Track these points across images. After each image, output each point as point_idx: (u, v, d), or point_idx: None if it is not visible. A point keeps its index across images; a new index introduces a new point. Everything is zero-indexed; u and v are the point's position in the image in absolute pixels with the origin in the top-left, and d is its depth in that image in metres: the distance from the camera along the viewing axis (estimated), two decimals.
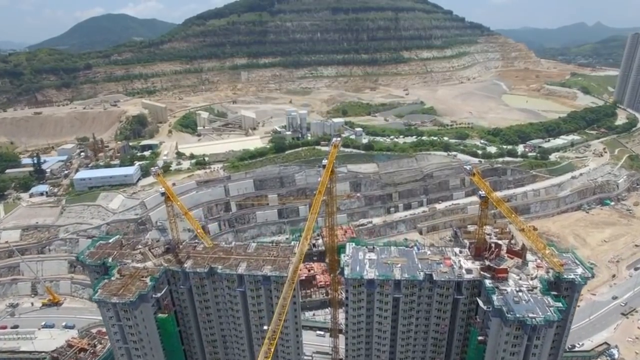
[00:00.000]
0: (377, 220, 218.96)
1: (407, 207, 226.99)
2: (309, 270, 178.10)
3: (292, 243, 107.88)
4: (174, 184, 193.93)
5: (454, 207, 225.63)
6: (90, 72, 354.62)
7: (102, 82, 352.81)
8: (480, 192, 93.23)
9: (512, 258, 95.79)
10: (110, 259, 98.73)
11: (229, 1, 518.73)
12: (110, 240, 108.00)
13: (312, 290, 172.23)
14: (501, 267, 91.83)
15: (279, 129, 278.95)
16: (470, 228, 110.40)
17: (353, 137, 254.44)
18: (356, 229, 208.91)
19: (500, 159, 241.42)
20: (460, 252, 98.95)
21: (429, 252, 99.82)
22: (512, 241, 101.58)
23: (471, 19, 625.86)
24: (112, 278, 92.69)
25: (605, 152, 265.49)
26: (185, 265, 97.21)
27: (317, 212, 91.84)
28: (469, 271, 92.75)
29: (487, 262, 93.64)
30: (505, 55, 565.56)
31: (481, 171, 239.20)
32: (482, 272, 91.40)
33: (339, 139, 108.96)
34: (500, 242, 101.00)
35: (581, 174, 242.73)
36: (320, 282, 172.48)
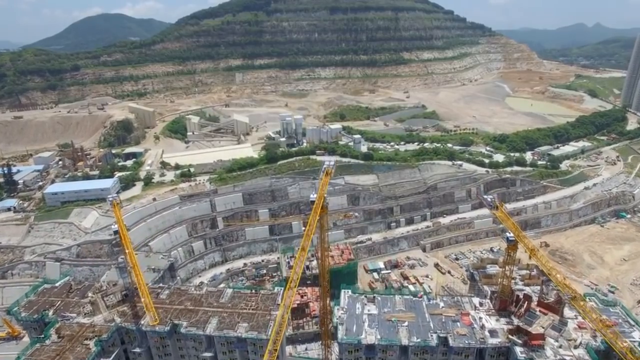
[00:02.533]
0: (376, 237, 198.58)
1: (409, 221, 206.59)
2: (301, 297, 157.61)
3: (275, 290, 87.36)
4: (154, 199, 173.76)
5: (459, 221, 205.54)
6: (78, 73, 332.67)
7: (91, 84, 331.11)
8: (507, 234, 72.91)
9: (545, 313, 75.81)
10: (51, 312, 78.65)
11: (223, 0, 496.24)
12: (57, 284, 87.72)
13: (304, 320, 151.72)
14: (534, 327, 71.68)
15: (272, 135, 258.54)
16: (490, 270, 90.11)
17: (351, 144, 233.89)
18: (354, 246, 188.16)
19: (509, 169, 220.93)
20: (481, 304, 78.97)
21: (442, 305, 79.77)
22: (544, 289, 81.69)
23: (471, 20, 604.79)
24: (47, 342, 72.62)
25: (619, 160, 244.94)
26: (142, 322, 77.07)
27: (304, 259, 71.85)
28: (493, 333, 72.41)
29: (515, 320, 73.64)
30: (507, 57, 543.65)
31: (489, 182, 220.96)
32: (510, 336, 71.26)
33: (332, 164, 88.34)
34: (527, 288, 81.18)
35: (594, 185, 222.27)
36: (314, 310, 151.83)
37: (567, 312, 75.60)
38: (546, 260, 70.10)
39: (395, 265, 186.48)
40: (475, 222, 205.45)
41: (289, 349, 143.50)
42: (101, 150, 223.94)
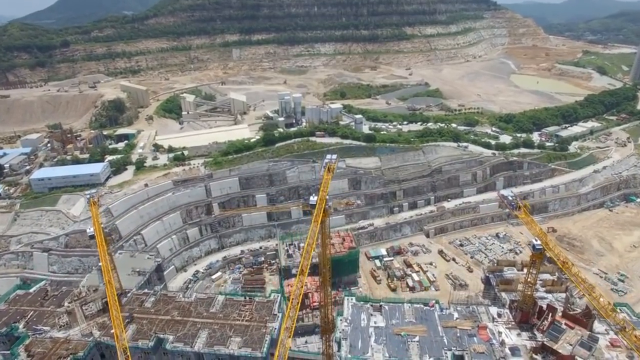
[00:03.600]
0: (378, 222, 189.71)
1: (413, 206, 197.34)
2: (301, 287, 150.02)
3: (272, 296, 78.26)
4: (146, 185, 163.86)
5: (464, 205, 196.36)
6: (68, 50, 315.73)
7: (82, 60, 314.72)
8: (534, 241, 63.44)
9: (572, 327, 67.20)
10: (21, 325, 69.94)
11: None
12: (32, 290, 78.77)
13: (304, 311, 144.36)
14: (560, 344, 63.12)
15: (270, 115, 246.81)
16: (508, 273, 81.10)
17: (352, 125, 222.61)
18: (355, 232, 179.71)
19: (516, 151, 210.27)
20: (499, 315, 70.39)
21: (456, 316, 71.11)
22: (570, 298, 72.94)
23: None
24: None
25: (629, 142, 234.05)
26: (124, 336, 68.52)
27: (303, 283, 62.48)
28: (515, 351, 63.81)
29: (538, 335, 65.11)
30: (513, 32, 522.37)
31: (495, 165, 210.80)
32: (534, 356, 62.85)
33: (334, 158, 77.78)
34: (549, 296, 72.36)
35: (604, 167, 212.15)
36: (315, 302, 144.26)
37: (597, 325, 67.12)
38: (583, 279, 60.82)
39: (398, 252, 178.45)
40: (481, 207, 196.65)
41: (288, 341, 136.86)
42: (92, 131, 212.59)
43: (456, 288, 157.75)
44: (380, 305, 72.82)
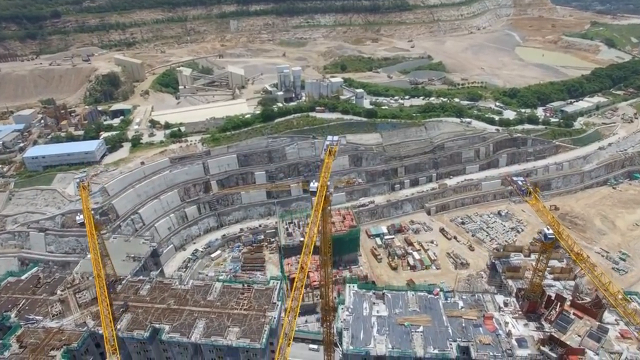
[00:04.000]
0: (379, 199, 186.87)
1: (414, 183, 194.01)
2: (301, 267, 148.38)
3: (271, 284, 75.54)
4: (142, 163, 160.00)
5: (466, 183, 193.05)
6: (59, 21, 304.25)
7: (74, 32, 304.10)
8: (545, 230, 60.10)
9: (580, 317, 64.86)
10: (13, 314, 67.58)
11: None
12: (24, 277, 75.98)
13: (304, 292, 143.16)
14: (568, 334, 60.87)
15: (269, 89, 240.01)
16: (515, 260, 78.22)
17: (353, 100, 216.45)
18: (356, 210, 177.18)
19: (520, 127, 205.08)
20: (506, 304, 67.93)
21: (461, 304, 68.64)
22: (579, 286, 70.35)
23: None
24: (6, 353, 61.98)
25: (636, 117, 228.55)
26: (119, 326, 66.22)
27: (303, 283, 59.32)
28: (521, 342, 61.59)
29: (545, 325, 62.84)
30: (518, 2, 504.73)
31: (498, 141, 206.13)
32: (542, 347, 60.71)
33: (335, 140, 73.56)
34: (557, 283, 69.76)
35: (609, 144, 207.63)
36: (315, 281, 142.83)
37: (607, 315, 64.78)
38: (600, 274, 57.79)
39: (398, 230, 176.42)
40: (483, 184, 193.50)
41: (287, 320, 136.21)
42: (86, 107, 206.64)
43: (457, 267, 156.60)
44: (383, 293, 70.31)
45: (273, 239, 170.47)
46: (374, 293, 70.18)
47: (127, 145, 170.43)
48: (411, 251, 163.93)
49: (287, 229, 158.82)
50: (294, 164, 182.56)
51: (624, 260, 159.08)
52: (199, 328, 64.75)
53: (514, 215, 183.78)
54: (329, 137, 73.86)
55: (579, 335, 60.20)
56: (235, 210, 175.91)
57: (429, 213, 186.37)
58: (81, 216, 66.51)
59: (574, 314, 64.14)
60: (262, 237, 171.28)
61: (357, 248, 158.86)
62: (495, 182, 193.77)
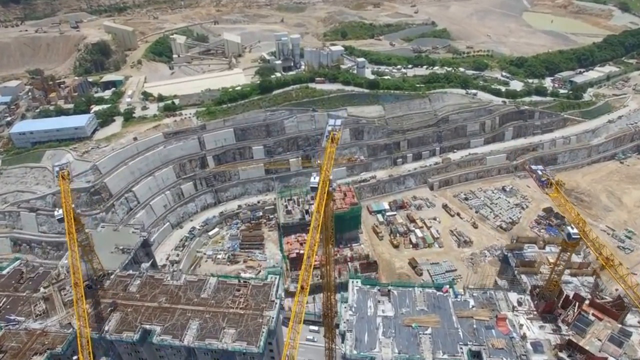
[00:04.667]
0: (381, 174, 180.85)
1: (417, 157, 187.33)
2: (301, 244, 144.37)
3: (269, 279, 70.28)
4: (135, 139, 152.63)
5: (470, 157, 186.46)
6: None
7: None
8: (568, 228, 54.22)
9: (600, 318, 60.13)
10: None
11: None
12: (5, 271, 70.72)
13: None
14: (588, 338, 56.27)
15: (267, 57, 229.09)
16: (529, 252, 72.82)
17: (354, 70, 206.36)
18: (357, 186, 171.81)
19: (527, 99, 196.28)
20: (520, 303, 63.12)
21: (472, 303, 63.75)
22: (599, 284, 65.28)
23: None
24: None
25: None
26: (107, 328, 61.52)
27: (307, 290, 53.58)
28: (537, 347, 56.99)
29: (562, 327, 58.19)
30: None
31: (505, 114, 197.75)
32: (559, 354, 56.18)
33: (337, 124, 66.10)
34: (574, 280, 64.70)
35: (619, 117, 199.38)
36: (315, 261, 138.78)
37: (630, 317, 59.99)
38: (636, 286, 52.33)
39: (401, 206, 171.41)
40: (488, 159, 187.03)
41: (287, 301, 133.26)
42: (76, 78, 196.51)
43: (460, 245, 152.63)
44: (389, 290, 65.36)
45: (272, 216, 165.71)
46: (379, 290, 65.20)
47: (119, 120, 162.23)
48: (413, 228, 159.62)
49: (286, 207, 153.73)
50: (293, 138, 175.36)
51: (629, 238, 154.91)
52: (192, 329, 60.03)
53: (518, 191, 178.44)
54: (331, 121, 66.57)
55: (599, 339, 55.59)
56: (233, 187, 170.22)
57: (431, 188, 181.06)
58: (60, 211, 60.04)
59: (593, 314, 59.32)
60: (261, 213, 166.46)
61: (358, 226, 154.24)
62: (501, 156, 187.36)
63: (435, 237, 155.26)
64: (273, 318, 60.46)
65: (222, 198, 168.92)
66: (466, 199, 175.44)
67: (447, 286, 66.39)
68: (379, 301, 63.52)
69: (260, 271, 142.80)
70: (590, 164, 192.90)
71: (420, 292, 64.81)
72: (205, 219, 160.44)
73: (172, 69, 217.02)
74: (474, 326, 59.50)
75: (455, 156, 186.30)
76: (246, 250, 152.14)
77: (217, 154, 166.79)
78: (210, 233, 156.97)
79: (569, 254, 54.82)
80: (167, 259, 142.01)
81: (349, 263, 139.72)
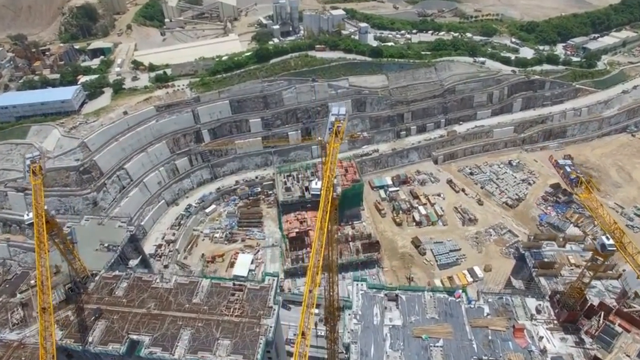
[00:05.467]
0: (384, 148, 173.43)
1: (421, 129, 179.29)
2: (300, 223, 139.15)
3: (267, 281, 64.44)
4: (125, 113, 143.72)
5: (477, 129, 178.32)
6: None
7: None
8: (603, 238, 47.70)
9: (628, 330, 54.84)
10: None
11: None
12: None
13: (304, 251, 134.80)
14: (615, 354, 51.20)
15: (264, 22, 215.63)
16: (547, 250, 66.76)
17: (356, 36, 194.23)
18: (359, 160, 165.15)
19: (538, 68, 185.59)
20: (539, 311, 57.75)
21: (486, 310, 58.20)
22: (627, 290, 59.48)
23: None
24: None
25: None
26: (91, 339, 56.27)
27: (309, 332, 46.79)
28: None
29: (586, 340, 53.02)
30: None
31: (514, 84, 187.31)
32: None
33: (342, 114, 57.61)
34: (597, 283, 59.00)
35: (634, 87, 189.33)
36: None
37: None
38: None
39: (404, 182, 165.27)
40: (495, 131, 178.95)
41: (287, 282, 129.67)
42: (61, 45, 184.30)
43: (465, 223, 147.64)
44: (397, 295, 59.85)
45: (270, 192, 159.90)
46: (385, 295, 59.74)
47: (108, 92, 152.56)
48: (417, 205, 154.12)
49: (285, 183, 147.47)
50: (292, 110, 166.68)
51: (639, 216, 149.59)
52: (183, 340, 54.91)
53: (525, 165, 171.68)
54: (334, 109, 58.27)
55: (628, 355, 50.54)
56: (230, 161, 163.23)
57: (436, 162, 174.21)
58: (30, 214, 52.97)
59: (619, 325, 54.07)
60: (259, 189, 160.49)
61: (360, 203, 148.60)
62: (508, 129, 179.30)
63: (439, 215, 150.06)
64: (271, 327, 55.27)
65: (218, 173, 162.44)
66: (471, 173, 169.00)
67: (460, 291, 60.84)
68: (385, 307, 58.16)
69: (258, 250, 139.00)
70: (600, 137, 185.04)
71: (431, 297, 59.24)
72: (201, 196, 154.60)
73: (163, 34, 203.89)
74: (489, 337, 54.32)
75: (461, 129, 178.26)
76: (244, 228, 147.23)
77: (213, 128, 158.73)
78: (207, 210, 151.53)
79: (599, 267, 48.69)
80: (162, 239, 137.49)
81: (351, 243, 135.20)
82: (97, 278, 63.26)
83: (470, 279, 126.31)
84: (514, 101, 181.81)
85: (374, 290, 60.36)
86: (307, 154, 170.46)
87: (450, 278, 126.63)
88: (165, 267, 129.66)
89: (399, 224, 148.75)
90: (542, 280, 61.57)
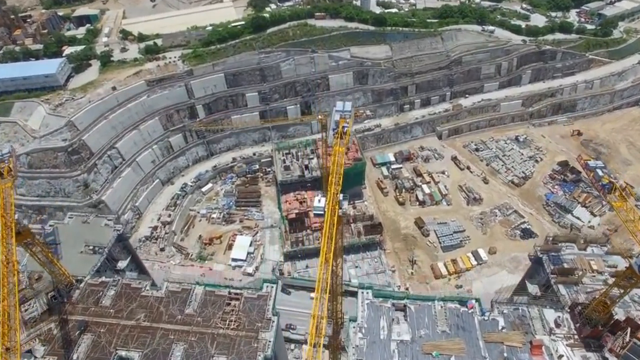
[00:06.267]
0: (386, 122, 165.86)
1: (426, 103, 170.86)
2: (300, 204, 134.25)
3: (265, 289, 59.47)
4: (114, 88, 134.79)
5: (484, 103, 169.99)
6: None
7: None
8: (634, 256, 42.25)
9: None
10: None
11: None
12: None
13: (304, 233, 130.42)
14: None
15: None
16: (567, 254, 61.56)
17: (358, 2, 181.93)
18: (360, 135, 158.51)
19: (550, 37, 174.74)
20: (558, 324, 53.22)
21: (501, 323, 53.68)
22: None
23: None
24: None
25: None
26: (75, 356, 51.88)
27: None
28: None
29: (611, 359, 48.81)
30: None
31: (524, 55, 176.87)
32: None
33: (347, 111, 50.32)
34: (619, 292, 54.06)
35: None
36: (315, 222, 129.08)
37: None
38: None
39: (407, 158, 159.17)
40: (502, 105, 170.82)
41: (287, 265, 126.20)
42: (44, 11, 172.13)
43: (470, 202, 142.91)
44: (405, 305, 55.17)
45: (269, 169, 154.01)
46: (393, 305, 55.10)
47: (95, 64, 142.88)
48: (420, 184, 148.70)
49: (284, 161, 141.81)
50: (291, 83, 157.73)
51: None
52: (175, 357, 50.64)
53: (532, 141, 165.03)
54: (339, 105, 51.20)
55: None
56: (226, 137, 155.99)
57: (440, 137, 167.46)
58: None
59: None
60: (257, 166, 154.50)
61: (362, 182, 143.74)
62: (516, 102, 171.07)
63: (444, 194, 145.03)
64: (270, 342, 50.99)
65: (215, 150, 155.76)
66: (477, 149, 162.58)
67: (473, 301, 56.17)
68: (393, 319, 53.64)
69: (257, 232, 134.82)
70: (611, 111, 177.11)
71: (442, 307, 54.60)
72: (197, 174, 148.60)
73: (154, 0, 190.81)
74: (505, 354, 50.07)
75: (466, 102, 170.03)
76: (242, 208, 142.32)
77: (207, 103, 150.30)
78: (204, 189, 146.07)
79: (632, 283, 43.59)
80: (158, 220, 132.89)
81: (352, 224, 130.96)
82: (82, 285, 58.30)
83: (474, 262, 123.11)
84: (523, 73, 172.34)
85: (380, 299, 55.59)
86: (307, 129, 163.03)
87: (454, 261, 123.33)
88: (162, 249, 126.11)
89: (401, 204, 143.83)
90: (562, 289, 56.79)
